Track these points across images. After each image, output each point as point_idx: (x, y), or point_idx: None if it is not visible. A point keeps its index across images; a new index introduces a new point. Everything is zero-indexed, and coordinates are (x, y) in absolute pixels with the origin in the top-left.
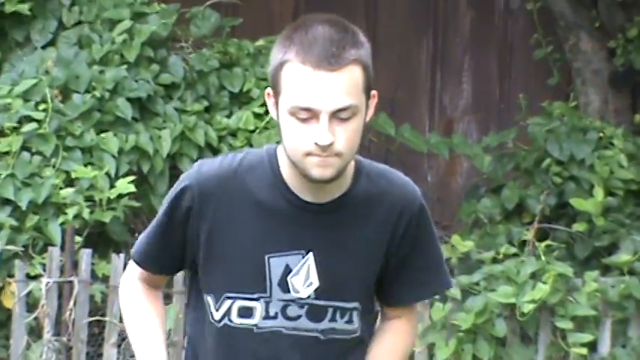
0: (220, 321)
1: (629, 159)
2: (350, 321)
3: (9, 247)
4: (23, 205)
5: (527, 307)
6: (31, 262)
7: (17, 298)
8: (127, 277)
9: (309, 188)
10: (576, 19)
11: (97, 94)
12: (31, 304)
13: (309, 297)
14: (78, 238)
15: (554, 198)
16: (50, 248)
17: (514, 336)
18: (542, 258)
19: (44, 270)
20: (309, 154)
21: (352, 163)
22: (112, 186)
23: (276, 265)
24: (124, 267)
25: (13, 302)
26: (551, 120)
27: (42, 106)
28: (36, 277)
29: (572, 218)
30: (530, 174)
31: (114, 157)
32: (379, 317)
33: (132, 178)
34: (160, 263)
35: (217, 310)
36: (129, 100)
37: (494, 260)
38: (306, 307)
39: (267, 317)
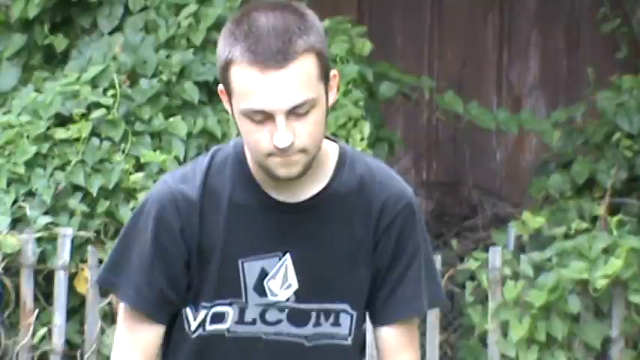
0: (195, 331)
1: None
2: (336, 324)
3: (81, 232)
4: (94, 191)
5: (601, 283)
6: (103, 247)
7: (90, 284)
8: (122, 339)
9: (282, 186)
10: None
11: (164, 78)
12: (105, 289)
13: (288, 300)
14: None
15: (625, 172)
16: None
17: (588, 312)
18: (615, 232)
19: None
20: (270, 154)
21: (335, 153)
22: None
23: (250, 268)
24: None
25: (87, 288)
26: (620, 93)
27: (110, 92)
28: None
29: None
30: (600, 148)
31: (182, 140)
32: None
33: None
34: (162, 301)
35: (195, 320)
36: (196, 83)
37: (566, 236)
38: (286, 310)
39: (241, 322)
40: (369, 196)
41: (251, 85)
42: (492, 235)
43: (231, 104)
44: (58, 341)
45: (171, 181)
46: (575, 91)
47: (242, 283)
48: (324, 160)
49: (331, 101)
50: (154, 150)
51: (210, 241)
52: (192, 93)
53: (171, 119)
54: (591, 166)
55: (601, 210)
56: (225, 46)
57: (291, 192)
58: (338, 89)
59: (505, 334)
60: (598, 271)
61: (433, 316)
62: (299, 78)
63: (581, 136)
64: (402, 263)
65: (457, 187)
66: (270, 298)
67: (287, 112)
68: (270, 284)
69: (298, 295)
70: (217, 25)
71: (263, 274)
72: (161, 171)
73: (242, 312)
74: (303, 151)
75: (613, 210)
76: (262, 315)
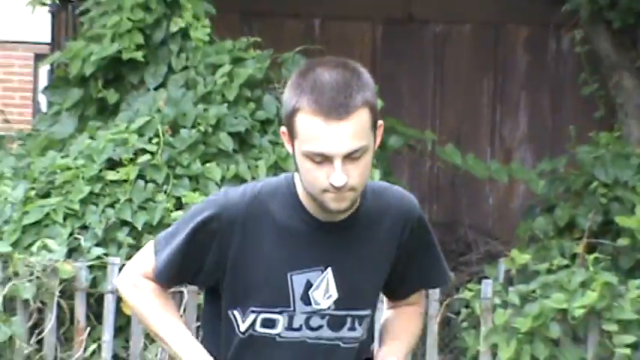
0: (245, 332)
1: None
2: (361, 326)
3: (127, 262)
4: (139, 226)
5: (578, 312)
6: None
7: None
8: (134, 278)
9: (324, 211)
10: (618, 60)
11: (202, 129)
12: None
13: (329, 308)
14: None
15: (601, 216)
16: None
17: (566, 337)
18: (591, 269)
19: None
20: (325, 190)
21: None
22: None
23: (297, 281)
24: None
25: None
26: (598, 148)
27: (154, 140)
28: None
29: (617, 234)
30: (579, 195)
31: (217, 184)
32: (385, 305)
33: None
34: (174, 280)
35: (243, 323)
36: (229, 134)
37: (549, 271)
38: (327, 317)
39: (290, 329)
40: (392, 213)
41: (315, 132)
42: (485, 269)
43: (292, 145)
44: (106, 355)
45: (228, 196)
46: (558, 146)
47: (291, 293)
48: None
49: (377, 145)
50: (193, 191)
51: (253, 254)
52: (226, 142)
53: (207, 165)
54: (571, 210)
55: (579, 249)
56: (292, 96)
57: (332, 216)
58: (382, 137)
59: (495, 356)
60: (576, 302)
61: (432, 339)
62: (356, 129)
63: (563, 184)
64: (427, 257)
65: (454, 227)
66: (314, 307)
67: (344, 157)
68: (314, 294)
69: (337, 304)
70: (248, 83)
71: (308, 285)
72: None
73: (291, 319)
74: (353, 189)
75: (590, 249)
76: (307, 321)
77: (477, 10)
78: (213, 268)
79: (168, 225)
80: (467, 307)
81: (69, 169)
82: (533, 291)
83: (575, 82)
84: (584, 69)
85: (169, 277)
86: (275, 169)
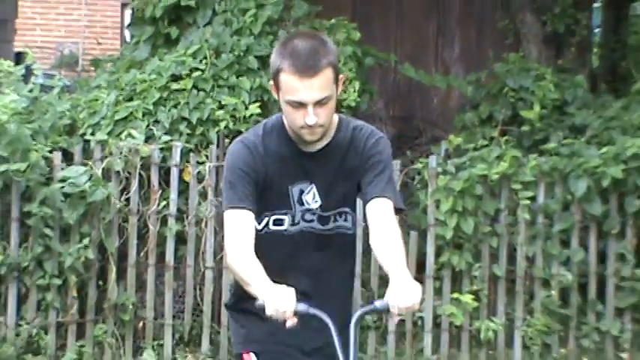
0: (262, 230)
1: (554, 86)
2: (345, 220)
3: (187, 144)
4: (194, 120)
5: (495, 177)
6: (200, 154)
7: (192, 175)
8: (231, 244)
9: (306, 143)
10: (522, 3)
11: (236, 53)
12: (200, 178)
13: (317, 209)
14: (227, 140)
15: (510, 111)
16: (211, 146)
17: (487, 194)
18: (503, 147)
19: (207, 158)
20: (302, 127)
21: (335, 120)
22: (246, 109)
23: (294, 190)
24: None
25: (190, 177)
26: (508, 64)
27: (204, 61)
28: (203, 163)
29: (521, 123)
30: (495, 97)
31: (247, 92)
32: (367, 209)
33: (258, 104)
34: (252, 202)
35: (260, 224)
36: (255, 57)
37: (474, 149)
38: (316, 215)
39: (292, 224)
40: (357, 139)
41: (293, 86)
42: (431, 148)
43: (278, 94)
44: (172, 209)
45: (244, 139)
46: (481, 63)
47: (291, 199)
48: (330, 125)
49: (338, 92)
50: (230, 96)
51: (269, 173)
52: (253, 63)
53: (240, 78)
54: (490, 107)
55: (495, 133)
56: (276, 60)
57: (312, 146)
58: (343, 85)
59: (438, 207)
60: (493, 169)
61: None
62: (322, 83)
63: (485, 89)
64: (379, 169)
65: (410, 119)
66: (306, 206)
67: (314, 104)
68: (306, 198)
69: (322, 208)
70: (268, 21)
71: (301, 192)
72: (234, 109)
73: (292, 218)
74: (321, 126)
75: (503, 133)
76: (302, 216)
77: None
78: (253, 183)
79: (213, 120)
80: (419, 174)
81: (145, 81)
82: (464, 163)
83: (492, 19)
84: (498, 8)
85: (242, 202)
86: None
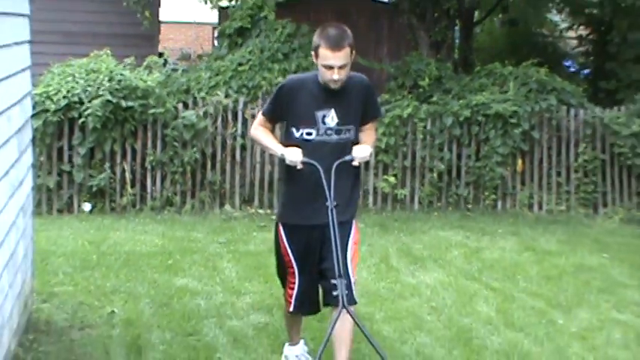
0: (299, 137)
1: (435, 69)
2: (349, 132)
3: (246, 99)
4: (250, 86)
5: (405, 115)
6: (253, 103)
7: (249, 114)
8: (255, 126)
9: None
10: (418, 27)
11: (271, 52)
12: (252, 115)
13: (334, 125)
14: (266, 97)
15: (413, 82)
16: (258, 99)
17: (401, 124)
18: (409, 100)
19: (256, 106)
20: (329, 80)
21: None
22: (275, 80)
23: (319, 114)
24: None
25: (248, 115)
26: (412, 57)
27: (254, 55)
28: (254, 109)
29: (419, 87)
30: (405, 74)
31: (276, 71)
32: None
33: (282, 78)
34: (275, 116)
35: (297, 133)
36: (281, 53)
37: (395, 100)
38: (334, 129)
39: (317, 135)
40: (358, 85)
41: (326, 55)
42: None
43: (317, 60)
44: (238, 131)
45: (291, 78)
46: (398, 57)
47: (316, 119)
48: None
49: (352, 62)
50: (268, 74)
51: (298, 102)
52: (279, 56)
53: (273, 64)
54: (402, 79)
55: (405, 93)
56: (317, 39)
57: (332, 89)
58: (355, 56)
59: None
60: (405, 111)
61: None
62: (344, 55)
63: (400, 70)
64: (372, 104)
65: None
66: (327, 125)
67: (338, 67)
68: (327, 120)
69: (337, 124)
70: (288, 35)
71: (324, 115)
72: (275, 80)
73: (318, 131)
74: (341, 80)
75: (409, 93)
76: (325, 132)
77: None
78: (285, 108)
79: (260, 87)
80: None
81: (224, 66)
82: (389, 108)
83: (405, 33)
84: (408, 29)
85: (270, 114)
86: None
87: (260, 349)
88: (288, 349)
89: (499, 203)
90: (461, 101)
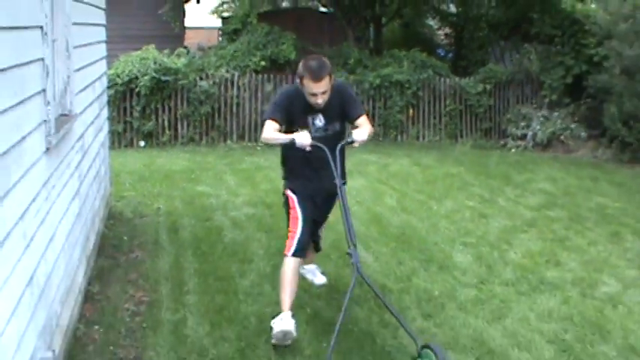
0: None
1: (358, 53)
2: (337, 127)
3: (236, 73)
4: (242, 65)
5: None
6: (241, 78)
7: (244, 82)
8: (264, 131)
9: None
10: (347, 26)
11: (254, 44)
12: (244, 84)
13: (322, 125)
14: (254, 73)
15: (343, 61)
16: (247, 75)
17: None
18: (344, 74)
19: (246, 82)
20: (314, 104)
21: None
22: (258, 63)
23: (310, 118)
24: None
25: (242, 84)
26: (344, 47)
27: (244, 45)
28: (243, 83)
29: (349, 65)
30: (340, 56)
31: (259, 57)
32: (355, 123)
33: (263, 61)
34: (281, 117)
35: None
36: (260, 44)
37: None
38: (323, 128)
39: (310, 133)
40: (340, 92)
41: (310, 85)
42: None
43: (301, 84)
44: (235, 94)
45: (287, 90)
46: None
47: (309, 122)
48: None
49: (330, 88)
50: (253, 59)
51: (296, 110)
52: (259, 46)
53: (256, 52)
54: (338, 60)
55: (342, 70)
56: (301, 71)
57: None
58: (332, 79)
59: None
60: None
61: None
62: (325, 83)
63: (340, 58)
64: (352, 104)
65: None
66: (317, 126)
67: (320, 93)
68: (316, 122)
69: (325, 123)
70: (266, 33)
71: (314, 119)
72: (258, 63)
73: (310, 131)
74: (323, 102)
75: (343, 68)
76: (316, 130)
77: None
78: (285, 112)
79: (249, 66)
80: None
81: (226, 54)
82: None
83: (336, 35)
84: (342, 30)
85: (277, 115)
86: None
87: (250, 229)
88: (278, 319)
89: (399, 137)
90: (374, 73)
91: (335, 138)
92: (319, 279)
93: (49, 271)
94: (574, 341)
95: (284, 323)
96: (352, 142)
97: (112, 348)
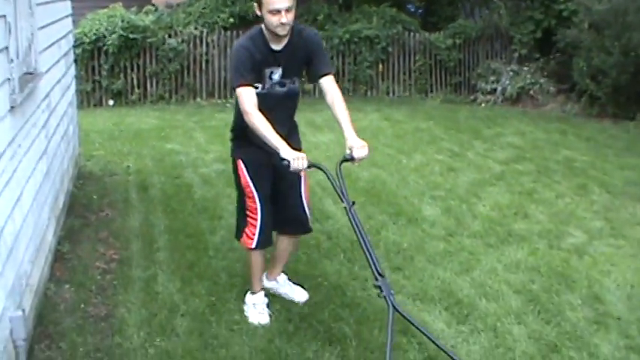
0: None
1: (327, 9)
2: (295, 84)
3: (205, 30)
4: (210, 22)
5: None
6: (209, 35)
7: (212, 40)
8: (246, 108)
9: (276, 42)
10: None
11: None
12: (212, 41)
13: (279, 79)
14: (222, 31)
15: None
16: (216, 32)
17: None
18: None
19: (216, 38)
20: (277, 26)
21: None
22: (226, 19)
23: (267, 72)
24: None
25: (210, 41)
26: (318, 5)
27: (214, 1)
28: (212, 40)
29: (319, 22)
30: (315, 13)
31: (228, 13)
32: (321, 82)
33: (232, 18)
34: (252, 78)
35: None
36: (230, 1)
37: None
38: (278, 82)
39: (264, 89)
40: (304, 39)
41: (272, 1)
42: None
43: (261, 10)
44: (204, 51)
45: (242, 43)
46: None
47: (265, 75)
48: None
49: (295, 5)
50: (222, 15)
51: (252, 61)
52: (229, 3)
53: (226, 9)
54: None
55: (316, 30)
56: None
57: (279, 45)
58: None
59: None
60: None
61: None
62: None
63: (321, 13)
64: (321, 58)
65: None
66: (273, 80)
67: (285, 10)
68: (273, 75)
69: (282, 76)
70: None
71: (271, 72)
72: (227, 19)
73: (264, 85)
74: (288, 24)
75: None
76: (271, 86)
77: None
78: (254, 70)
79: (217, 22)
80: None
81: (192, 11)
82: None
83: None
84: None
85: (248, 77)
86: None
87: (219, 185)
88: (249, 298)
89: (368, 92)
90: (343, 29)
91: (292, 99)
92: (299, 294)
93: (17, 230)
94: (540, 291)
95: (261, 316)
96: (352, 159)
97: (83, 306)
